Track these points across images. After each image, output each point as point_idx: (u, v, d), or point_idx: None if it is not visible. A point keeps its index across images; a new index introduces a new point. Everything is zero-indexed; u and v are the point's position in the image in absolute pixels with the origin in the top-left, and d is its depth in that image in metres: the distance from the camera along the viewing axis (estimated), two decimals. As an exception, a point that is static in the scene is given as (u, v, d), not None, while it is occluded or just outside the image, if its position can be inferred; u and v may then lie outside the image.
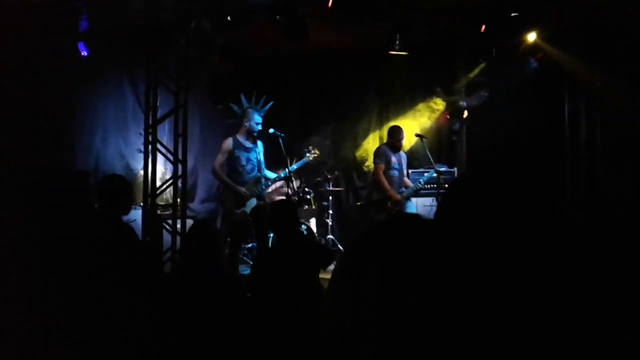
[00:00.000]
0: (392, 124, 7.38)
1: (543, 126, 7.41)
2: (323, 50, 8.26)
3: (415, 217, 1.05)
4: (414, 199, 6.92)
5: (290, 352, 3.23)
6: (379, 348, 0.91)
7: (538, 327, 1.10)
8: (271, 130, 6.60)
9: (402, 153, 6.87)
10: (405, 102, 8.47)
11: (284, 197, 7.25)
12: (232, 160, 6.25)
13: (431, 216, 1.40)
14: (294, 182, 7.11)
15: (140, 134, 6.50)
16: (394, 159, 6.67)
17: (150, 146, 6.06)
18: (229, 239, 6.38)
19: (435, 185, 6.96)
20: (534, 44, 7.24)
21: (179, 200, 6.30)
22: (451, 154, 8.43)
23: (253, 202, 6.28)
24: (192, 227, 3.56)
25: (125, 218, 3.85)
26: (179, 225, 6.17)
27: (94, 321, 3.11)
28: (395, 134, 6.77)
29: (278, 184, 7.52)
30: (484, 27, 6.92)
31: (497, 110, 7.49)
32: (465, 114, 8.20)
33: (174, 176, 6.15)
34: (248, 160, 6.29)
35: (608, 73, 6.60)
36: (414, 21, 6.98)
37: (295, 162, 6.69)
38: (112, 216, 3.62)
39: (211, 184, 8.10)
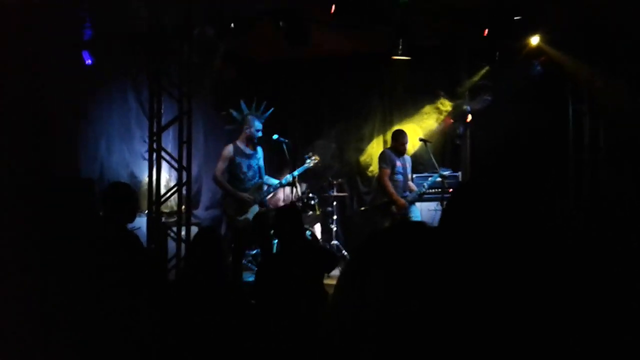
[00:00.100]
0: (395, 128, 7.38)
1: (547, 129, 7.40)
2: (326, 56, 8.27)
3: (420, 224, 1.05)
4: (418, 204, 6.90)
5: (295, 357, 3.22)
6: (380, 354, 0.91)
7: (543, 336, 1.10)
8: (275, 136, 6.60)
9: (406, 157, 6.86)
10: (409, 106, 8.47)
11: (289, 203, 7.24)
12: (233, 167, 6.24)
13: (436, 221, 1.40)
14: (299, 188, 7.11)
15: (145, 141, 6.51)
16: (398, 163, 6.67)
17: (154, 154, 6.07)
18: (232, 246, 6.38)
19: (439, 190, 6.94)
20: (537, 47, 7.23)
21: (183, 207, 6.31)
22: (455, 157, 8.41)
23: (255, 208, 6.27)
24: (196, 234, 3.56)
25: (130, 226, 3.85)
26: (183, 233, 6.17)
27: (100, 329, 3.11)
28: (399, 138, 6.76)
29: (279, 190, 7.52)
30: (487, 31, 6.92)
31: (501, 113, 7.48)
32: (469, 117, 8.19)
33: (179, 183, 6.16)
34: (249, 167, 6.28)
35: (609, 74, 6.59)
36: (416, 25, 6.98)
37: (297, 169, 6.69)
38: (117, 224, 3.62)
39: (215, 191, 8.11)
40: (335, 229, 8.02)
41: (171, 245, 6.17)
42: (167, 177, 7.07)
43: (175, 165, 6.14)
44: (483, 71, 7.92)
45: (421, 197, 6.91)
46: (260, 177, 6.36)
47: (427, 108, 8.31)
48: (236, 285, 3.78)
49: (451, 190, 6.46)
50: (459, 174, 7.92)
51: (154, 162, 6.07)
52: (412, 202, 6.71)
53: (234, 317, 3.07)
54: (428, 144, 7.07)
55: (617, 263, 1.46)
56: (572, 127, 7.58)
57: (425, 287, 0.93)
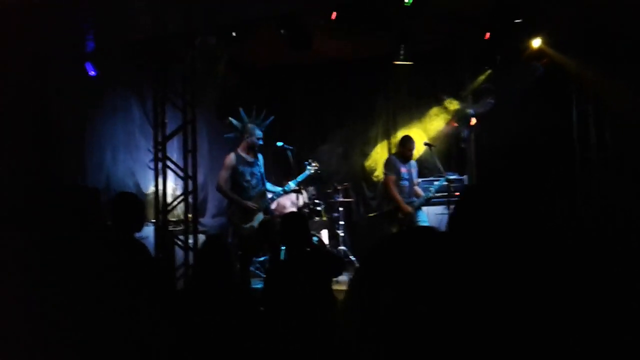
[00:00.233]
0: (400, 132, 7.37)
1: (551, 130, 7.38)
2: (328, 61, 8.29)
3: (428, 229, 1.05)
4: (425, 208, 6.88)
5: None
6: (391, 359, 0.92)
7: (551, 343, 1.10)
8: (279, 144, 6.61)
9: (412, 162, 6.85)
10: (413, 110, 8.46)
11: (295, 210, 7.24)
12: (236, 176, 6.21)
13: (443, 225, 1.41)
14: (304, 194, 7.11)
15: (150, 150, 6.54)
16: (403, 169, 6.66)
17: (160, 163, 6.09)
18: (239, 253, 6.38)
19: (446, 194, 6.92)
20: (539, 49, 7.23)
21: (190, 215, 6.32)
22: (461, 161, 8.39)
23: (260, 216, 6.27)
24: (204, 242, 3.58)
25: (137, 235, 3.87)
26: (191, 241, 6.19)
27: (109, 339, 3.12)
28: (407, 144, 6.75)
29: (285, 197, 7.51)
30: (488, 34, 6.93)
31: (505, 116, 7.47)
32: (473, 121, 8.18)
33: (185, 192, 6.18)
34: (252, 175, 6.27)
35: (611, 74, 6.58)
36: (418, 30, 6.99)
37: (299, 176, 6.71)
38: (125, 234, 3.64)
39: (221, 199, 8.08)
40: (342, 234, 8.01)
41: (179, 253, 6.18)
42: (173, 186, 7.10)
43: (181, 174, 6.16)
44: (485, 74, 7.92)
45: (428, 202, 6.89)
46: (263, 185, 6.37)
47: (435, 110, 8.29)
48: (245, 292, 3.78)
49: (457, 193, 6.45)
50: (465, 177, 7.90)
51: (160, 171, 6.09)
52: (418, 207, 6.70)
53: (244, 323, 3.08)
54: (433, 148, 7.06)
55: (618, 263, 1.46)
56: (577, 127, 7.55)
57: (435, 292, 0.93)
